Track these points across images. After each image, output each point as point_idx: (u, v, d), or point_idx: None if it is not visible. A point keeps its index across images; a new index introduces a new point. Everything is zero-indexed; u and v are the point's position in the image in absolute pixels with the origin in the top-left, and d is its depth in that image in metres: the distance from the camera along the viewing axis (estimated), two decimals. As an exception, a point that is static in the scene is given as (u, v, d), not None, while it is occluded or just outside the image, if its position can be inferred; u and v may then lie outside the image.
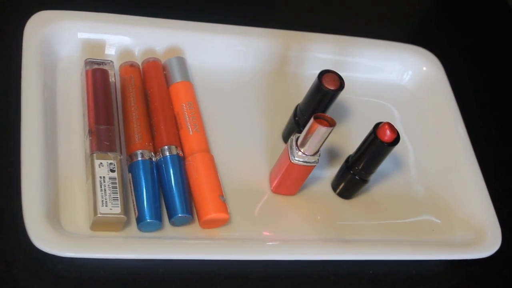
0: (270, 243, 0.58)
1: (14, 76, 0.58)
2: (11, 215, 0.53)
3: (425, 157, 0.68)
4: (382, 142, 0.57)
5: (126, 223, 0.54)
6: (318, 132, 0.54)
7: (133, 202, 0.55)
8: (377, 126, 0.57)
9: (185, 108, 0.60)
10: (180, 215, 0.55)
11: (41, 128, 0.55)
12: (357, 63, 0.71)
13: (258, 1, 0.77)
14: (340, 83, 0.59)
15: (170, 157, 0.57)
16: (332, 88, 0.59)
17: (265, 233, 0.59)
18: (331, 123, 0.54)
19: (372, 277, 0.60)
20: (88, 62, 0.60)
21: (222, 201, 0.56)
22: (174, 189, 0.56)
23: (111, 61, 0.61)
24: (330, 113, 0.60)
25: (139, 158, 0.56)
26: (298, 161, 0.57)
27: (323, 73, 0.59)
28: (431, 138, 0.70)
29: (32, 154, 0.54)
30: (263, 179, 0.61)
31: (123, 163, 0.57)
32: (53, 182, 0.55)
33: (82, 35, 0.62)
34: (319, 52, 0.69)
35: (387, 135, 0.57)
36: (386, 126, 0.57)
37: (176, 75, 0.62)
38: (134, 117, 0.58)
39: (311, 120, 0.54)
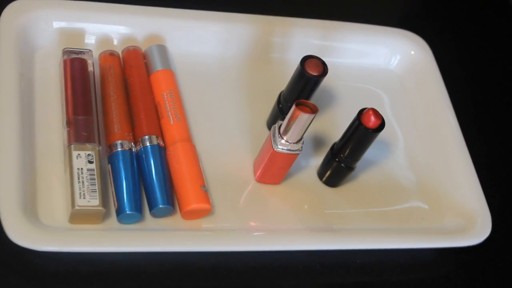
0: (255, 234, 0.57)
1: (-10, 67, 0.57)
2: (-14, 209, 0.52)
3: (414, 143, 0.67)
4: (366, 128, 0.55)
5: (106, 215, 0.54)
6: (300, 119, 0.53)
7: (112, 194, 0.54)
8: (361, 112, 0.56)
9: (166, 96, 0.59)
10: (161, 206, 0.54)
11: (17, 119, 0.54)
12: (343, 48, 0.70)
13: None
14: (324, 69, 0.58)
15: (150, 147, 0.56)
16: (315, 73, 0.57)
17: (250, 224, 0.58)
18: (314, 110, 0.53)
19: (360, 266, 0.59)
20: (66, 52, 0.59)
21: (204, 191, 0.55)
22: (154, 180, 0.55)
23: (89, 50, 0.60)
24: (316, 99, 0.59)
25: (119, 149, 0.55)
26: (282, 149, 0.56)
27: (306, 59, 0.58)
28: (420, 124, 0.68)
29: (8, 146, 0.53)
30: (247, 168, 0.60)
31: (103, 154, 0.56)
32: (30, 174, 0.54)
33: (59, 24, 0.61)
34: (304, 37, 0.68)
35: (372, 121, 0.55)
36: (371, 112, 0.55)
37: (157, 63, 0.61)
38: (114, 107, 0.57)
39: (293, 107, 0.53)
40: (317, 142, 0.64)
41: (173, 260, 0.54)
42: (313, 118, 0.53)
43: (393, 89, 0.71)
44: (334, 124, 0.65)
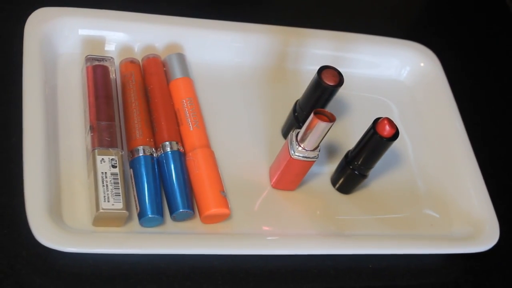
0: (271, 238, 0.58)
1: (15, 73, 0.58)
2: (13, 211, 0.53)
3: (424, 152, 0.69)
4: (381, 137, 0.57)
5: (128, 219, 0.55)
6: (318, 127, 0.55)
7: (134, 198, 0.55)
8: (376, 121, 0.58)
9: (185, 104, 0.61)
10: (181, 210, 0.55)
11: (42, 125, 0.55)
12: (355, 59, 0.72)
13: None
14: (340, 79, 0.59)
15: (171, 153, 0.58)
16: (331, 83, 0.59)
17: (265, 228, 0.59)
18: (331, 119, 0.54)
19: (372, 271, 0.60)
20: (89, 59, 0.61)
21: (223, 196, 0.57)
22: (175, 185, 0.56)
23: (111, 57, 0.61)
24: (329, 108, 0.61)
25: (141, 154, 0.57)
26: (298, 156, 0.57)
27: (323, 69, 0.59)
28: (429, 133, 0.70)
29: (34, 150, 0.54)
30: (263, 174, 0.62)
31: (124, 159, 0.57)
32: (55, 178, 0.55)
33: (82, 31, 0.63)
34: (318, 48, 0.70)
35: (386, 130, 0.57)
36: (386, 122, 0.57)
37: (176, 71, 0.63)
38: (135, 113, 0.59)
39: (311, 115, 0.54)
40: (330, 150, 0.65)
41: (192, 263, 0.56)
42: (330, 127, 0.55)
43: (402, 99, 0.72)
44: (347, 132, 0.67)
